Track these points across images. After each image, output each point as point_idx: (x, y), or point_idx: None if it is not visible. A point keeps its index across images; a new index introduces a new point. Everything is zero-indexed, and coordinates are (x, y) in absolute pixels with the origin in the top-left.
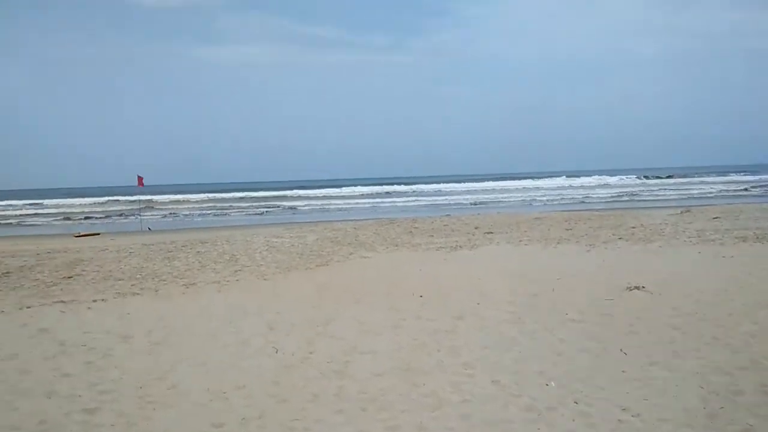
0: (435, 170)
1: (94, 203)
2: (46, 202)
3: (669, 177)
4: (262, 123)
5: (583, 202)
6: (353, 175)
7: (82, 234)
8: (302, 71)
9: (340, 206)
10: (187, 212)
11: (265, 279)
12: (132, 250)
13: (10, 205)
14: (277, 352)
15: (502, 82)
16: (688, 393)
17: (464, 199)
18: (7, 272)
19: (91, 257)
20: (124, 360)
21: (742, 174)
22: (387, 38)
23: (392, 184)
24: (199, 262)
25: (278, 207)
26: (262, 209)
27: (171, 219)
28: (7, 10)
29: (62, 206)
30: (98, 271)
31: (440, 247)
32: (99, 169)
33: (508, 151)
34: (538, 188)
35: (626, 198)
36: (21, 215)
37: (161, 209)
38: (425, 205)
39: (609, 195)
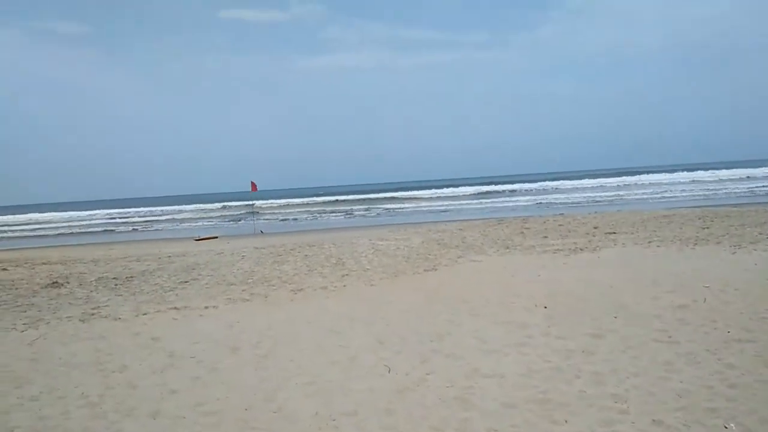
0: (539, 167)
1: (213, 208)
2: (170, 208)
3: None
4: (362, 127)
5: (711, 197)
6: (455, 174)
7: (202, 238)
8: (402, 74)
9: (442, 207)
10: (296, 215)
11: (371, 285)
12: (244, 254)
13: (138, 212)
14: (389, 372)
15: (612, 73)
16: None
17: (572, 197)
18: (131, 276)
19: (206, 261)
20: (231, 375)
21: None
22: (486, 35)
23: (494, 183)
24: (307, 266)
25: (381, 208)
26: (364, 211)
27: (281, 222)
28: (141, 33)
29: (185, 212)
30: (212, 275)
31: (557, 249)
32: (216, 177)
33: (618, 146)
34: (659, 184)
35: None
36: (147, 221)
37: (272, 212)
38: (532, 204)
39: (744, 189)
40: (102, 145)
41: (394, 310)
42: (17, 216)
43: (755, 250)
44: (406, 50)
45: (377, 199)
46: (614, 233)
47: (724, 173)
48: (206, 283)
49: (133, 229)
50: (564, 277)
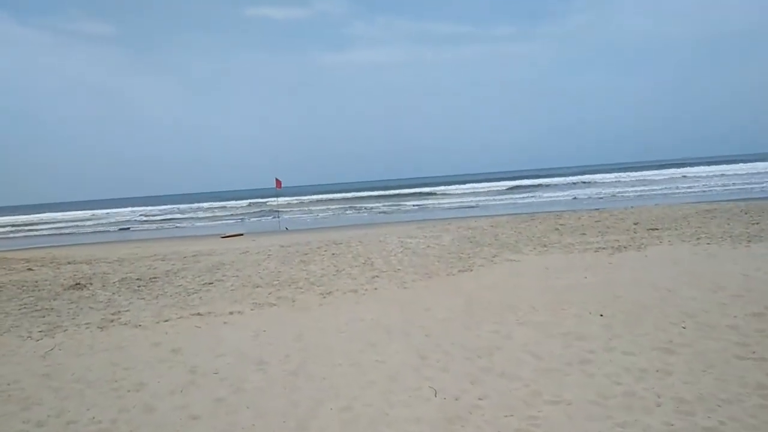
0: (568, 161)
1: (239, 205)
2: (197, 205)
3: None
4: (387, 122)
5: (750, 191)
6: (481, 170)
7: (227, 235)
8: (427, 68)
9: (470, 203)
10: (320, 212)
11: (404, 287)
12: (270, 253)
13: (165, 210)
14: (435, 395)
15: (644, 62)
16: None
17: (604, 191)
18: (155, 277)
19: (232, 260)
20: (258, 397)
21: None
22: (513, 28)
23: (522, 177)
24: (335, 266)
25: (406, 205)
26: (390, 207)
27: (306, 218)
28: (166, 32)
29: (213, 209)
30: (237, 276)
31: (599, 247)
32: (242, 174)
33: (648, 138)
34: (694, 178)
35: None
36: (174, 219)
37: (297, 209)
38: (563, 199)
39: None
40: (129, 144)
41: (432, 318)
42: (49, 214)
43: None
44: (430, 44)
45: (402, 195)
46: (657, 229)
47: (761, 165)
48: (231, 285)
49: (160, 227)
50: (614, 278)
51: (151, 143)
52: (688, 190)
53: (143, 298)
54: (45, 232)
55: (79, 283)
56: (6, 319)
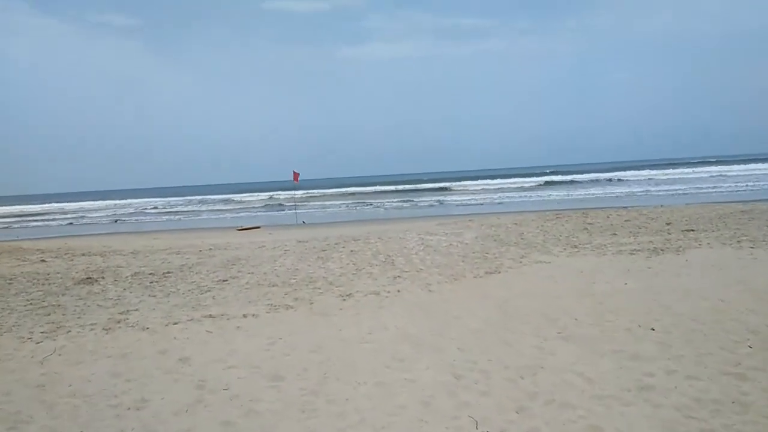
0: (592, 157)
1: (258, 198)
2: (216, 197)
3: None
4: (408, 116)
5: None
6: (502, 165)
7: (244, 228)
8: (446, 63)
9: (493, 198)
10: (338, 205)
11: (429, 290)
12: (287, 248)
13: (184, 201)
14: (477, 428)
15: (671, 60)
16: None
17: (632, 189)
18: (168, 272)
19: (248, 255)
20: (272, 421)
21: None
22: (534, 21)
23: (546, 174)
24: (354, 265)
25: (426, 200)
26: (409, 202)
27: (324, 212)
28: (187, 25)
29: (232, 201)
30: (252, 272)
31: (634, 249)
32: (262, 166)
33: (667, 136)
34: (733, 177)
35: None
36: (193, 210)
37: (315, 202)
38: (589, 196)
39: None
40: (149, 135)
41: (464, 328)
42: (69, 204)
43: None
44: (450, 38)
45: (421, 190)
46: (692, 230)
47: None
48: (246, 283)
49: (177, 218)
50: (656, 285)
51: (170, 134)
52: (716, 189)
53: (154, 296)
54: (61, 222)
55: (90, 277)
56: (10, 316)
